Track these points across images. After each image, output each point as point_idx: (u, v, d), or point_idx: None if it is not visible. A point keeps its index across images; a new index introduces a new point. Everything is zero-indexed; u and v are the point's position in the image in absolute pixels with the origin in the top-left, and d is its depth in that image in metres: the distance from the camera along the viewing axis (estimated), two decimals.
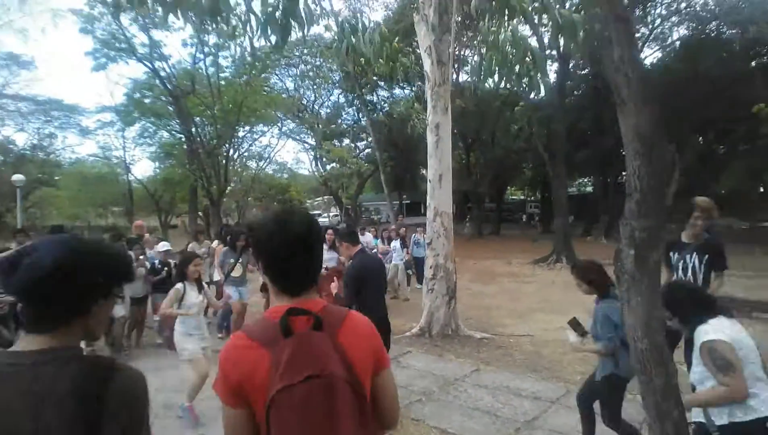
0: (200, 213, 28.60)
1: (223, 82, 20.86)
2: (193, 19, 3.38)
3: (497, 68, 4.45)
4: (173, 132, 24.07)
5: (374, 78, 16.54)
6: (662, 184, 1.64)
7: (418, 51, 7.48)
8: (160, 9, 3.21)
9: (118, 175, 29.93)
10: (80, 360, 1.20)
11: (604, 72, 1.69)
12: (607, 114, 25.14)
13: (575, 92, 27.05)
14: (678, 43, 24.52)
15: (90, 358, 1.26)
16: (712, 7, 22.04)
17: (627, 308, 1.67)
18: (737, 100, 19.84)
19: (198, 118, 21.79)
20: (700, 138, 25.76)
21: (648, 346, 1.61)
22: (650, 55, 26.08)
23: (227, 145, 22.53)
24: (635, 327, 1.64)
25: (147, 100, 22.77)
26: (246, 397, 1.28)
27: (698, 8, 22.66)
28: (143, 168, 64.97)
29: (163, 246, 6.92)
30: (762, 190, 30.47)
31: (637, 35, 23.56)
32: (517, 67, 3.89)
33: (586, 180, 39.32)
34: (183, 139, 23.14)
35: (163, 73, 19.97)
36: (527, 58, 4.28)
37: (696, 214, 4.29)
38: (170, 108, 21.93)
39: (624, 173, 30.13)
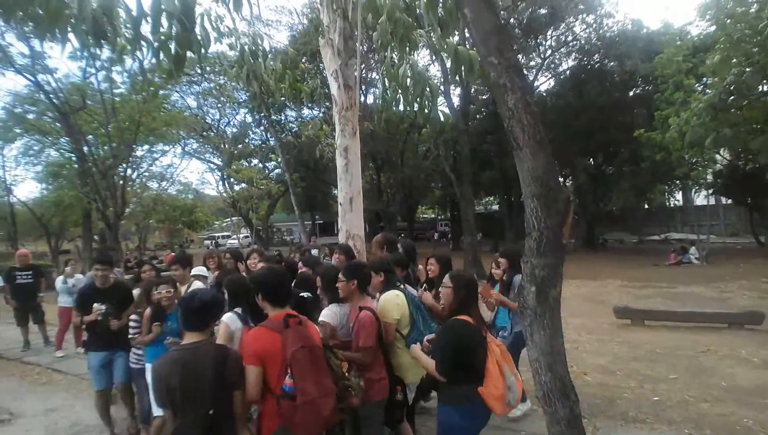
0: (96, 237, 26.43)
1: (117, 99, 19.52)
2: (73, 43, 3.05)
3: (400, 97, 4.53)
4: (62, 150, 22.07)
5: (281, 99, 16.32)
6: (559, 223, 1.70)
7: (325, 73, 7.44)
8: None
9: None
10: (213, 345, 2.85)
11: (501, 116, 1.73)
12: (506, 138, 26.72)
13: (478, 116, 28.43)
14: (568, 72, 26.59)
15: (216, 344, 2.98)
16: (595, 41, 24.19)
17: (530, 342, 1.72)
18: (620, 125, 21.91)
19: (90, 136, 20.21)
20: (591, 160, 27.94)
21: (551, 379, 1.66)
22: (544, 83, 28.07)
23: (124, 165, 21.06)
24: (538, 360, 1.68)
25: (30, 116, 20.82)
26: (263, 360, 2.68)
27: (583, 42, 24.78)
28: (28, 189, 59.24)
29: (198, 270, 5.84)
30: (647, 206, 33.63)
31: (531, 63, 25.33)
32: (417, 99, 3.97)
33: (491, 199, 41.21)
34: (73, 159, 21.28)
35: (48, 87, 18.23)
36: (426, 91, 4.38)
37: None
38: (57, 124, 20.17)
39: None
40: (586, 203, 28.89)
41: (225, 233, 45.06)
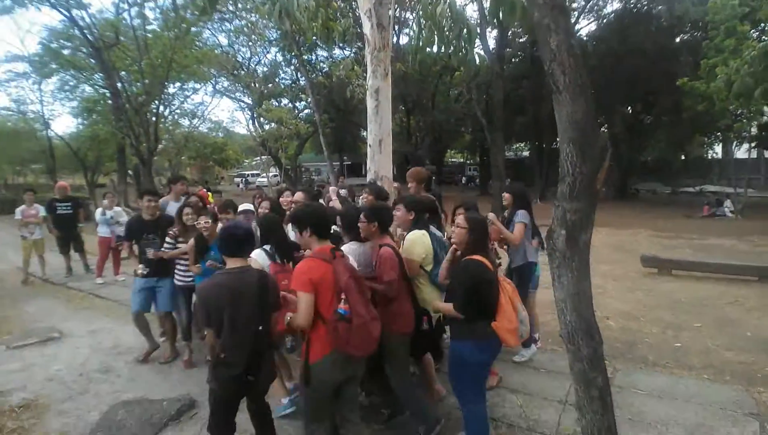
0: (130, 172, 27.10)
1: (150, 35, 19.43)
2: None
3: (435, 38, 4.39)
4: (96, 86, 22.32)
5: (313, 38, 15.97)
6: (594, 169, 1.71)
7: (358, 12, 7.25)
8: None
9: (36, 130, 27.65)
10: (256, 270, 3.15)
11: (541, 59, 1.70)
12: (545, 83, 25.74)
13: (513, 60, 27.43)
14: (612, 15, 25.18)
15: (258, 269, 3.23)
16: None
17: (557, 283, 1.77)
18: (663, 73, 20.84)
19: (123, 73, 20.32)
20: (629, 108, 26.90)
21: (576, 319, 1.71)
22: (585, 27, 26.71)
23: (157, 102, 21.23)
24: (564, 301, 1.74)
25: (66, 51, 20.97)
26: (317, 288, 2.85)
27: None
28: (65, 124, 60.45)
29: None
30: (683, 158, 32.53)
31: (574, 5, 24.06)
32: (453, 41, 3.84)
33: (522, 145, 40.40)
34: (107, 95, 21.53)
35: (82, 23, 18.24)
36: (463, 32, 4.22)
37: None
38: (92, 60, 20.29)
39: (558, 140, 31.58)
40: (620, 152, 28.13)
41: (255, 172, 45.51)
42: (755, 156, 31.77)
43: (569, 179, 1.70)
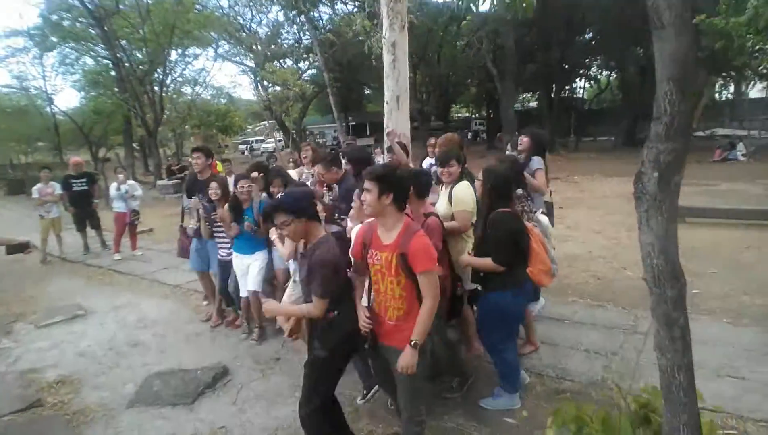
0: (135, 144, 26.90)
1: (150, 1, 18.88)
2: None
3: None
4: (98, 58, 21.89)
5: None
6: (692, 108, 1.58)
7: None
8: None
9: (40, 107, 27.32)
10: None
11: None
12: (554, 28, 24.89)
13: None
14: None
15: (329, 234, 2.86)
16: None
17: (645, 227, 1.72)
18: None
19: (125, 42, 19.86)
20: (639, 49, 26.00)
21: (663, 261, 1.70)
22: None
23: (160, 70, 20.84)
24: (652, 244, 1.71)
25: (65, 23, 20.47)
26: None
27: None
28: (68, 98, 59.78)
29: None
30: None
31: None
32: None
33: (529, 95, 39.54)
34: (110, 65, 21.13)
35: None
36: None
37: None
38: (92, 31, 19.82)
39: (567, 87, 30.19)
40: (631, 97, 27.38)
41: (259, 137, 45.15)
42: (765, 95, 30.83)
43: (666, 119, 1.59)
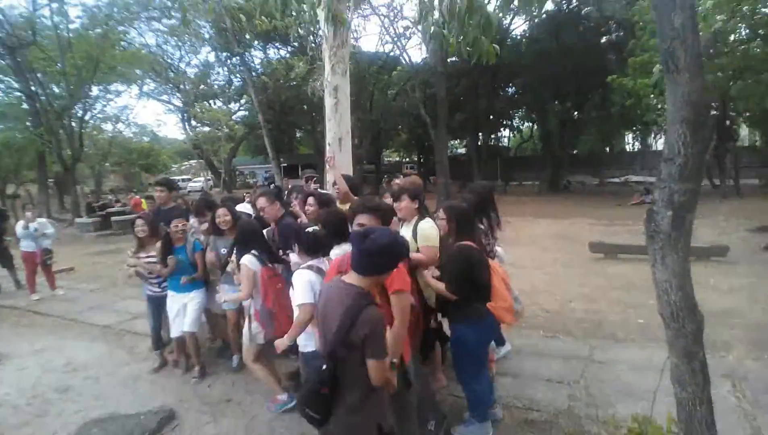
0: (51, 180, 25.25)
1: (71, 35, 18.17)
2: None
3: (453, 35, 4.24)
4: (10, 89, 20.61)
5: (251, 35, 15.63)
6: (705, 149, 1.75)
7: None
8: None
9: None
10: (361, 294, 2.19)
11: (660, 38, 1.72)
12: (481, 81, 26.47)
13: (450, 60, 28.00)
14: (544, 15, 26.29)
15: (364, 293, 2.21)
16: None
17: (659, 265, 1.81)
18: (592, 71, 21.98)
19: (40, 75, 18.90)
20: (559, 104, 28.11)
21: (681, 297, 1.78)
22: (519, 27, 27.65)
23: (79, 105, 19.93)
24: (669, 281, 1.79)
25: None
26: None
27: None
28: None
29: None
30: (608, 150, 34.53)
31: (511, 6, 24.87)
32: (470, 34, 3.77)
33: (457, 142, 41.41)
34: (22, 98, 19.93)
35: None
36: (481, 21, 4.07)
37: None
38: (1, 61, 18.72)
39: (492, 136, 31.90)
40: (552, 147, 29.42)
41: (185, 176, 43.78)
42: None
43: (680, 160, 1.72)
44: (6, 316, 7.33)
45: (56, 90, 20.14)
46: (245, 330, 3.98)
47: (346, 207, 4.80)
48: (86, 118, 21.57)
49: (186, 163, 46.17)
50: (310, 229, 3.34)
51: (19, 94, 20.04)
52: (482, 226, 4.21)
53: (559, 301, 6.81)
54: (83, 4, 18.41)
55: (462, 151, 41.04)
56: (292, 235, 3.45)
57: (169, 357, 5.10)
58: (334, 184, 5.39)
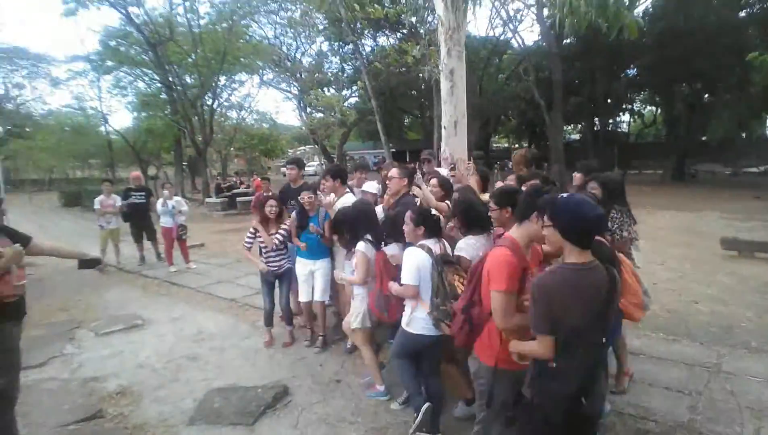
0: (185, 163, 27.92)
1: (201, 30, 19.79)
2: None
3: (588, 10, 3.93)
4: (152, 80, 23.00)
5: (363, 23, 15.96)
6: None
7: None
8: None
9: (96, 126, 28.78)
10: (602, 266, 2.19)
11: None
12: (598, 62, 24.73)
13: (565, 41, 26.51)
14: None
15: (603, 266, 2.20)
16: None
17: None
18: (726, 49, 19.62)
19: (176, 68, 20.82)
20: (687, 86, 25.50)
21: None
22: (644, 3, 25.33)
23: (209, 95, 21.67)
24: None
25: (122, 49, 21.66)
26: None
27: None
28: (121, 119, 63.15)
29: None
30: (744, 136, 30.70)
31: None
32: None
33: (570, 128, 39.24)
34: (162, 88, 22.17)
35: (138, 20, 18.79)
36: None
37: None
38: (145, 57, 20.89)
39: (610, 121, 29.81)
40: (678, 132, 26.83)
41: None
42: None
43: None
44: (148, 285, 8.23)
45: (189, 81, 22.02)
46: (352, 310, 4.08)
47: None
48: (214, 106, 23.44)
49: (301, 148, 48.37)
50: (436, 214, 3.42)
51: (159, 85, 22.29)
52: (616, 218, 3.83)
53: (684, 302, 6.25)
54: (211, 1, 19.85)
55: (576, 137, 38.74)
56: (465, 209, 3.45)
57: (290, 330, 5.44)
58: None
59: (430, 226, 3.36)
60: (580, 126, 34.98)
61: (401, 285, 3.26)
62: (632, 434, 3.45)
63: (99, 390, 4.43)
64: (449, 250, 3.46)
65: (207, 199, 20.18)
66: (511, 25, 20.28)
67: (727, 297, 6.36)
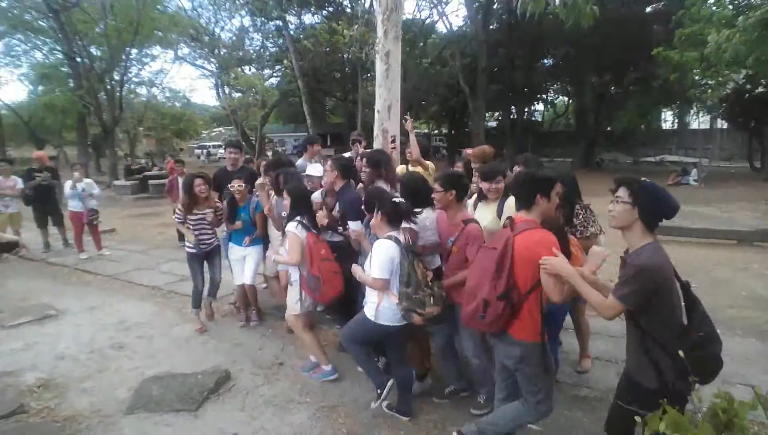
0: (89, 142, 25.82)
1: None
2: None
3: None
4: (53, 51, 20.93)
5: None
6: None
7: None
8: None
9: None
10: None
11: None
12: (522, 49, 25.69)
13: (490, 27, 27.25)
14: None
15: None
16: None
17: None
18: (635, 43, 21.09)
19: (82, 37, 19.09)
20: (597, 78, 27.19)
21: None
22: None
23: (119, 69, 20.13)
24: None
25: (15, 11, 19.49)
26: None
27: None
28: (13, 92, 56.97)
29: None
30: (643, 128, 33.42)
31: None
32: None
33: (487, 115, 40.68)
34: (64, 60, 20.23)
35: None
36: None
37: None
38: (44, 23, 18.96)
39: (526, 110, 31.18)
40: (587, 122, 28.61)
41: (216, 143, 44.06)
42: (706, 126, 33.03)
43: None
44: (57, 274, 7.60)
45: (97, 53, 20.34)
46: (290, 297, 4.01)
47: (419, 170, 4.76)
48: (124, 81, 21.81)
49: (217, 129, 46.36)
50: (396, 200, 3.34)
51: (60, 56, 20.32)
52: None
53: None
54: None
55: (493, 124, 40.32)
56: (379, 202, 3.34)
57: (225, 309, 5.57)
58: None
59: (394, 217, 3.30)
60: (497, 114, 36.30)
61: (374, 279, 3.19)
62: (570, 400, 3.68)
63: (16, 385, 4.03)
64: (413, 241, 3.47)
65: (115, 182, 18.86)
66: (439, 8, 20.41)
67: None
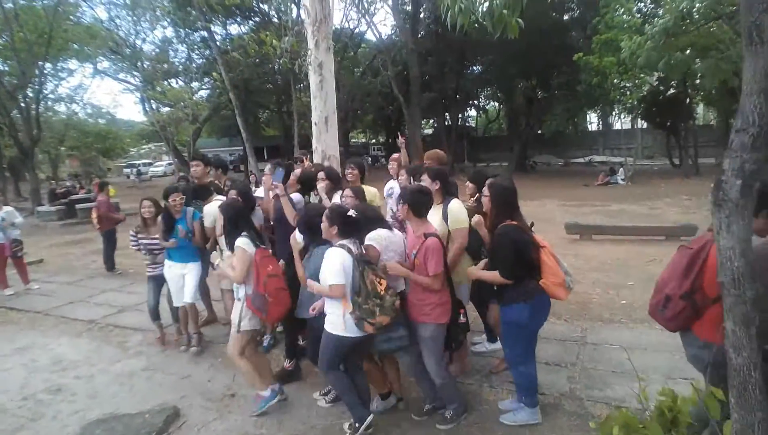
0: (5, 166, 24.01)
1: (15, 5, 16.94)
2: None
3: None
4: None
5: (217, 9, 14.94)
6: None
7: None
8: None
9: None
10: None
11: (746, 10, 1.73)
12: (451, 57, 26.30)
13: (419, 36, 27.72)
14: None
15: None
16: None
17: (725, 233, 1.86)
18: (558, 48, 22.07)
19: None
20: (525, 83, 28.18)
21: (743, 264, 1.84)
22: (484, 3, 27.47)
23: (33, 84, 18.85)
24: (733, 248, 1.85)
25: None
26: None
27: None
28: None
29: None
30: (571, 129, 35.14)
31: None
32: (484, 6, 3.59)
33: (423, 122, 41.47)
34: None
35: None
36: None
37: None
38: None
39: (460, 116, 32.01)
40: (518, 127, 29.68)
41: (146, 160, 42.29)
42: (628, 126, 35.31)
43: (753, 130, 1.76)
44: None
45: (3, 67, 19.01)
46: (233, 317, 3.81)
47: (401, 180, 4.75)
48: (39, 98, 20.46)
49: (145, 146, 44.48)
50: (352, 213, 3.30)
51: None
52: None
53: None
54: None
55: (429, 131, 41.12)
56: (335, 216, 3.30)
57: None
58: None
59: (345, 227, 3.27)
60: (432, 121, 37.01)
61: (331, 286, 3.12)
62: None
63: None
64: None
65: (38, 208, 17.62)
66: (367, 18, 20.54)
67: (578, 277, 7.05)
